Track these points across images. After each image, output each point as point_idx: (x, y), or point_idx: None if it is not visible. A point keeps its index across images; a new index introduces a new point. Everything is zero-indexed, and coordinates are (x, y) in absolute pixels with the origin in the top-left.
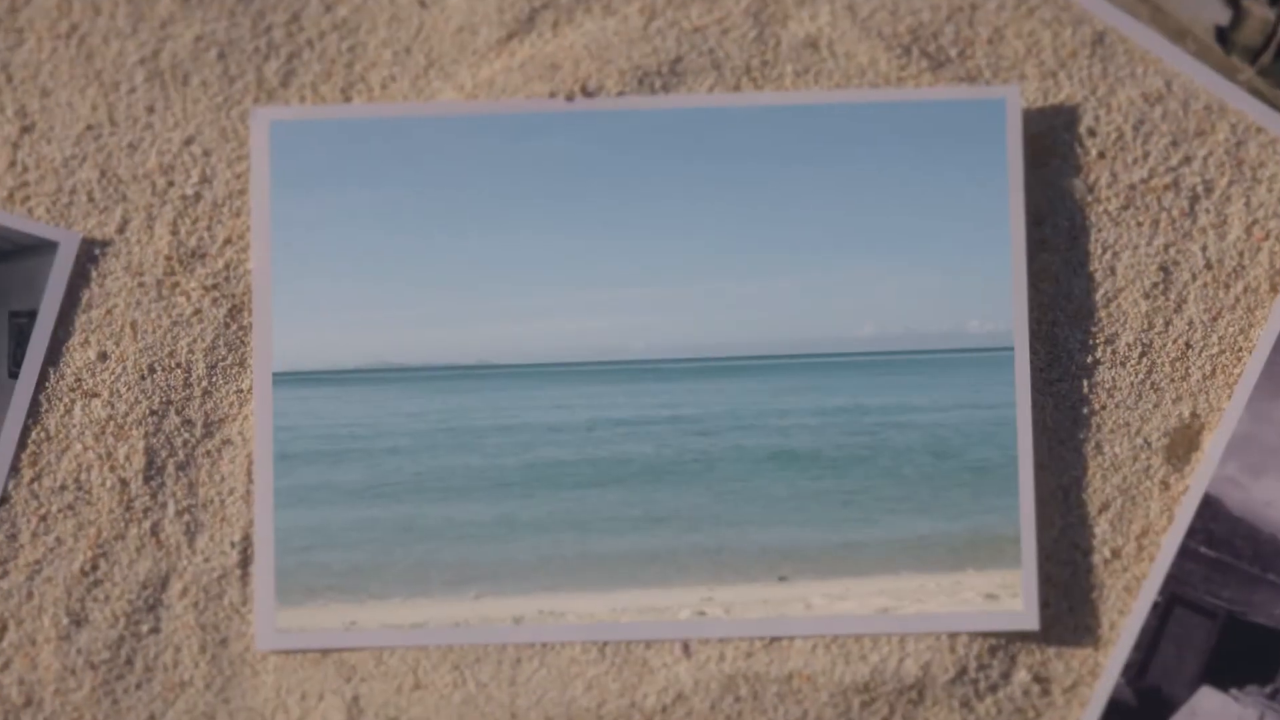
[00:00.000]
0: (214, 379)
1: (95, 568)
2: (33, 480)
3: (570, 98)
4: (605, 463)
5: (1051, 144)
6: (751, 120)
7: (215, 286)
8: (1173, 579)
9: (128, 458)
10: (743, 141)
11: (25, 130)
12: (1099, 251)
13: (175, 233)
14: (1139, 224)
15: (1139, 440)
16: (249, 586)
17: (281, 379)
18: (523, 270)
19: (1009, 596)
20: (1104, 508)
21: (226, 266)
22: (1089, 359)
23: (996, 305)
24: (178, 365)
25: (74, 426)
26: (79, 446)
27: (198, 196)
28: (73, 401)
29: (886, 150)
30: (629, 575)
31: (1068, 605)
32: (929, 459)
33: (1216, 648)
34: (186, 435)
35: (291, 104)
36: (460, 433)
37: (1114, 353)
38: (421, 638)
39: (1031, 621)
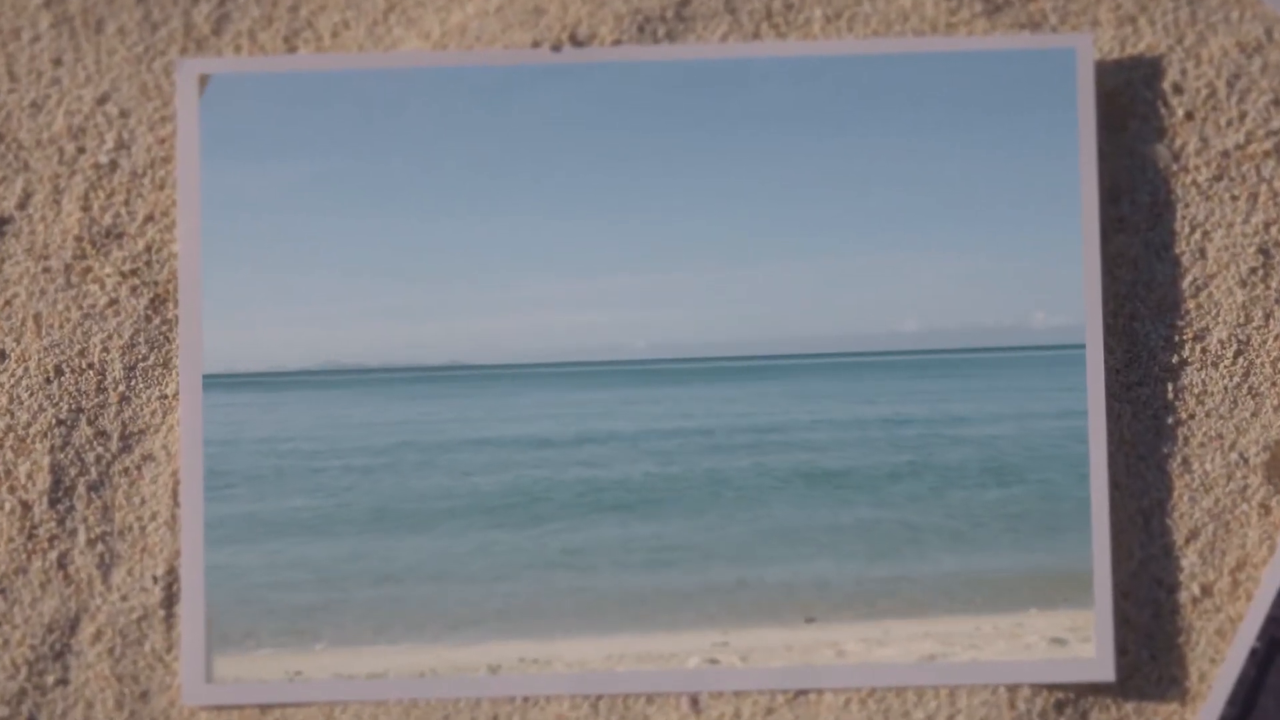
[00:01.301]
0: (133, 382)
1: None
2: None
3: (557, 48)
4: (599, 484)
5: (1130, 103)
6: (772, 76)
7: (134, 273)
8: (1274, 621)
9: (30, 476)
10: (762, 101)
11: None
12: (1186, 231)
13: (87, 209)
14: (1234, 198)
15: (1234, 455)
16: (174, 630)
17: (213, 382)
18: (501, 255)
19: (1079, 641)
20: (1192, 536)
21: (148, 249)
22: (1174, 359)
23: (1064, 295)
24: (90, 366)
25: None
26: None
27: (114, 165)
28: None
29: (934, 112)
30: (627, 616)
31: (1149, 652)
32: (984, 479)
33: None
34: (100, 449)
35: (225, 55)
36: (427, 448)
37: (1204, 351)
38: (380, 690)
39: (1106, 671)
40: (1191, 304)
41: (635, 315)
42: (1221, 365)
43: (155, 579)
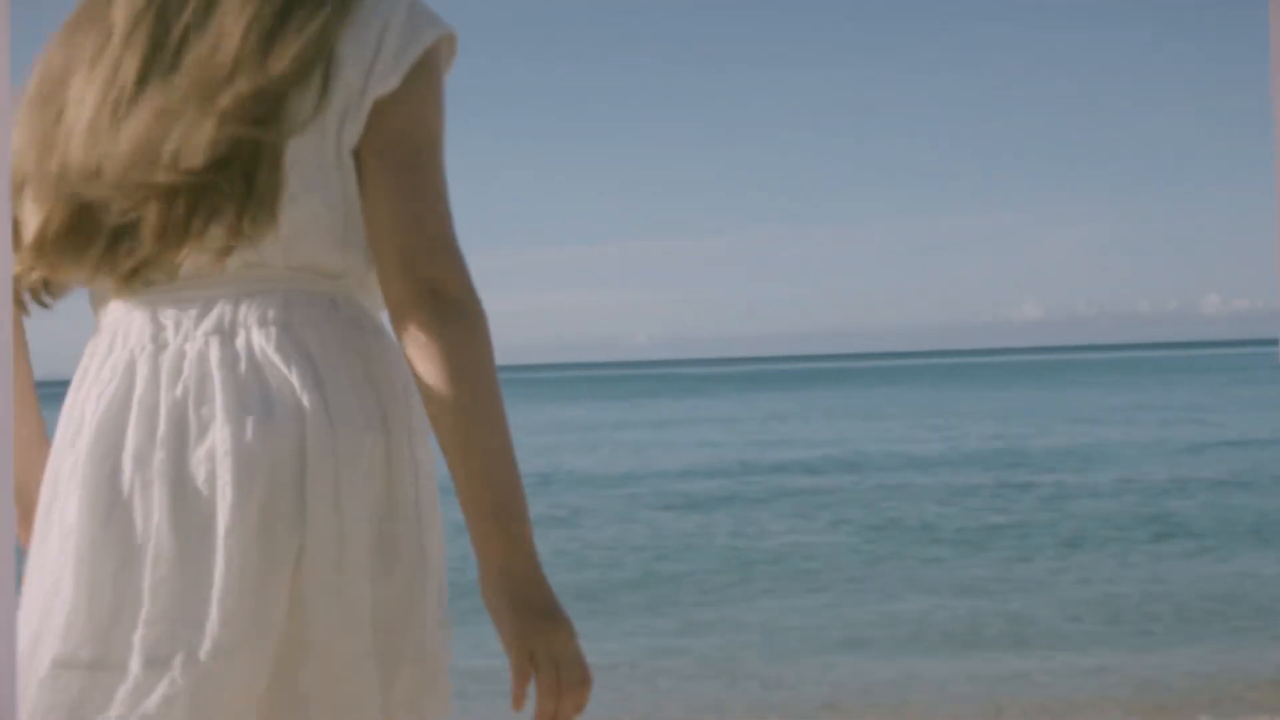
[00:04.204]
0: None
1: None
2: None
3: None
4: (583, 543)
5: None
6: None
7: None
8: None
9: None
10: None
11: None
12: None
13: None
14: None
15: None
16: None
17: (46, 392)
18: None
19: None
20: None
21: None
22: None
23: (1249, 270)
24: None
25: None
26: None
27: None
28: None
29: (1064, 12)
30: None
31: None
32: (1135, 537)
33: None
34: None
35: None
36: None
37: None
38: None
39: None
40: None
41: (633, 297)
42: None
43: None
